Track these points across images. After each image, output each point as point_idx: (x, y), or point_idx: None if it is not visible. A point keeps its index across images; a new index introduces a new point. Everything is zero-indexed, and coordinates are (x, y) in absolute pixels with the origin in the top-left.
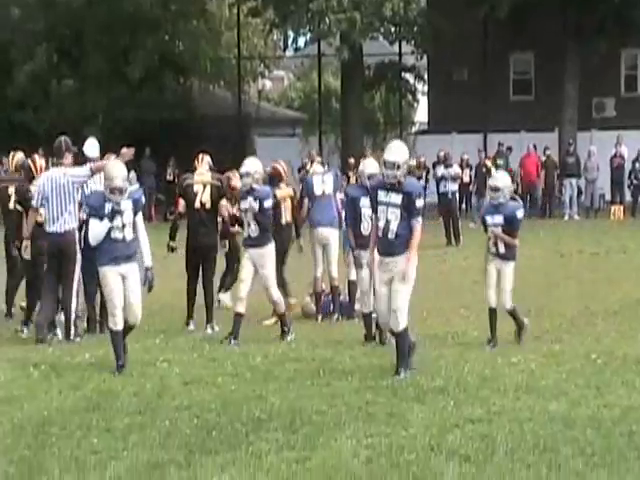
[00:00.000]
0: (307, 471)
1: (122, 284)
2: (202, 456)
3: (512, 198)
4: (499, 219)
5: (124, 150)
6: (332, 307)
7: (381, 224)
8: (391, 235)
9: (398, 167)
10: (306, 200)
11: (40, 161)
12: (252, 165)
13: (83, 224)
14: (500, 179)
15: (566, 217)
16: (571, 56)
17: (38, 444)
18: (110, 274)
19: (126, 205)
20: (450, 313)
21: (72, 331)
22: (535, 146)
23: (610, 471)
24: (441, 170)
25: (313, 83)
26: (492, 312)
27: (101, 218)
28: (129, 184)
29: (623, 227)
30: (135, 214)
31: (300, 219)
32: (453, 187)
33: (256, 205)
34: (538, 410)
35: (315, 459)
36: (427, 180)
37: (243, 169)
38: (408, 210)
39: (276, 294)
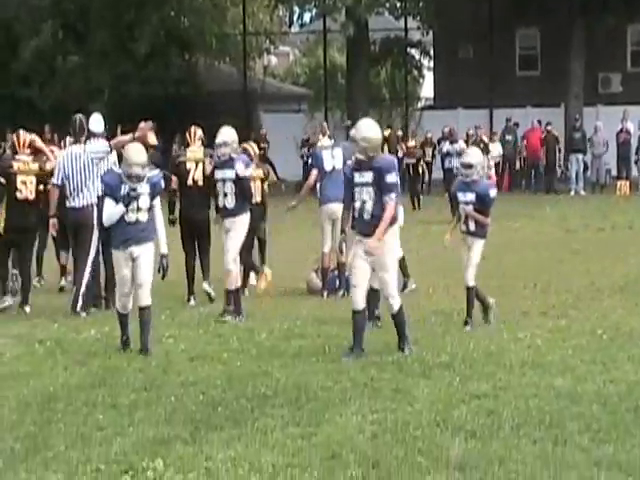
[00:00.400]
0: (312, 447)
1: (132, 267)
2: (207, 432)
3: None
4: (471, 197)
5: (142, 125)
6: (338, 283)
7: (357, 205)
8: (367, 216)
9: (354, 141)
10: (314, 171)
11: (25, 136)
12: (229, 134)
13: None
14: (473, 156)
15: (572, 192)
16: (577, 31)
17: (44, 420)
18: (121, 258)
19: (143, 189)
20: (456, 289)
21: (79, 304)
22: (540, 121)
23: (616, 447)
24: (446, 146)
25: (319, 59)
26: (474, 290)
27: (116, 200)
28: (148, 170)
29: (629, 202)
30: (152, 198)
31: (305, 189)
32: (458, 163)
33: (233, 174)
34: (544, 386)
35: (320, 435)
36: (433, 156)
37: (219, 139)
38: (379, 187)
39: (232, 265)
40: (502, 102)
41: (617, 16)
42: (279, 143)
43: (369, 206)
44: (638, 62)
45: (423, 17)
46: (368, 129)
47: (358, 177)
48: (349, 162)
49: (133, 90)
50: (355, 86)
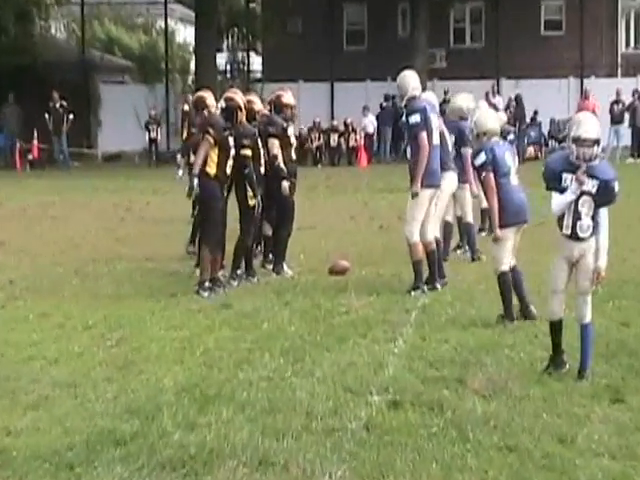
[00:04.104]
0: None
1: None
2: None
3: None
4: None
5: None
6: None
7: None
8: None
9: None
10: None
11: None
12: None
13: None
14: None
15: None
16: (422, 4)
17: None
18: None
19: None
20: None
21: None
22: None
23: None
24: None
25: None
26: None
27: None
28: None
29: None
30: None
31: None
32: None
33: None
34: None
35: None
36: None
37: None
38: None
39: None
40: (339, 75)
41: None
42: (119, 114)
43: None
44: (460, 39)
45: None
46: None
47: None
48: None
49: None
50: (202, 58)
